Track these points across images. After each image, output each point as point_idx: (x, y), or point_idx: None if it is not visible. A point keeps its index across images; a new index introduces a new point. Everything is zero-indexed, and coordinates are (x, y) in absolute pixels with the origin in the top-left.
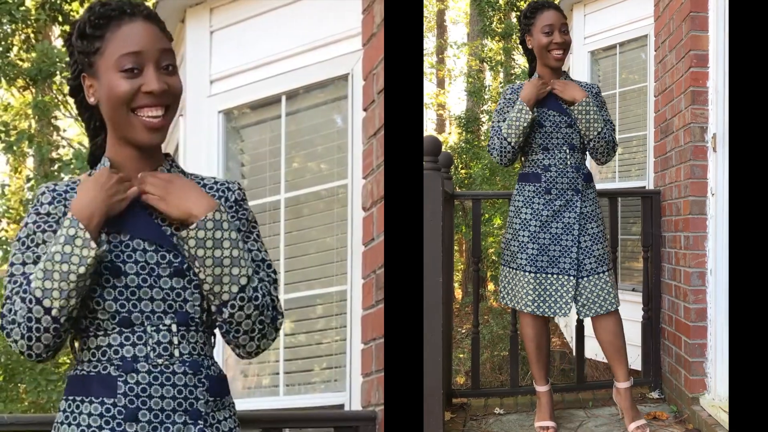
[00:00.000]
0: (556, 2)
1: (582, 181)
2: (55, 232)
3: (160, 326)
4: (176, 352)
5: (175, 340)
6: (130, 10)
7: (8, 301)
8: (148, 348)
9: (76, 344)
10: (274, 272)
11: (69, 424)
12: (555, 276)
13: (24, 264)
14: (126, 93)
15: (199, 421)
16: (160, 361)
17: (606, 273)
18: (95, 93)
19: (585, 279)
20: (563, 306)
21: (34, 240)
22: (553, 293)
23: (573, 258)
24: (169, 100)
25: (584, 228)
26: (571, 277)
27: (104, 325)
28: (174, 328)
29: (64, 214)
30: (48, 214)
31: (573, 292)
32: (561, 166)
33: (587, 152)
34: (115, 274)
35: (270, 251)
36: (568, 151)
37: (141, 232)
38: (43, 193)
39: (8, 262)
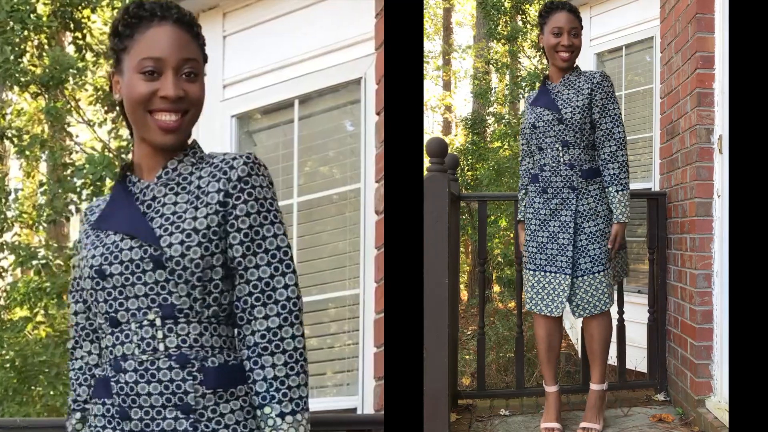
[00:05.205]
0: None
1: (579, 178)
2: (83, 258)
3: (144, 322)
4: (161, 347)
5: (160, 334)
6: (161, 14)
7: None
8: (134, 345)
9: None
10: (291, 258)
11: (87, 426)
12: (552, 274)
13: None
14: (142, 95)
15: (191, 416)
16: (144, 357)
17: (601, 273)
18: (120, 90)
19: (579, 279)
20: (558, 305)
21: (77, 268)
22: (551, 291)
23: (569, 257)
24: (186, 105)
25: (581, 227)
26: (567, 276)
27: (103, 327)
28: (158, 322)
29: (84, 231)
30: (79, 241)
31: (568, 291)
32: (554, 165)
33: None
34: (102, 277)
35: None
36: (560, 148)
37: (129, 228)
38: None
39: None
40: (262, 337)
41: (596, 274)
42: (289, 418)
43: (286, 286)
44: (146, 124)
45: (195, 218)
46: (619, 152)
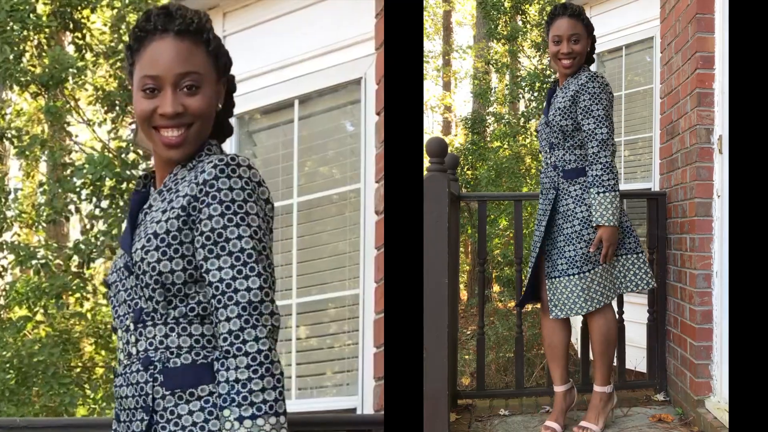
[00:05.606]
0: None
1: (561, 179)
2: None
3: (125, 328)
4: (134, 351)
5: (133, 339)
6: (162, 26)
7: None
8: (120, 351)
9: None
10: (258, 261)
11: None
12: (531, 271)
13: None
14: (144, 112)
15: (153, 417)
16: (126, 362)
17: (576, 276)
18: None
19: (556, 280)
20: (522, 299)
21: None
22: (526, 287)
23: (536, 254)
24: (188, 119)
25: (561, 227)
26: (533, 274)
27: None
28: (132, 327)
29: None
30: None
31: (532, 288)
32: (544, 167)
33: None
34: (107, 287)
35: (282, 255)
36: (548, 150)
37: (122, 240)
38: None
39: None
40: (224, 339)
41: (571, 277)
42: (247, 423)
43: (248, 289)
44: (153, 139)
45: (158, 222)
46: (601, 153)
